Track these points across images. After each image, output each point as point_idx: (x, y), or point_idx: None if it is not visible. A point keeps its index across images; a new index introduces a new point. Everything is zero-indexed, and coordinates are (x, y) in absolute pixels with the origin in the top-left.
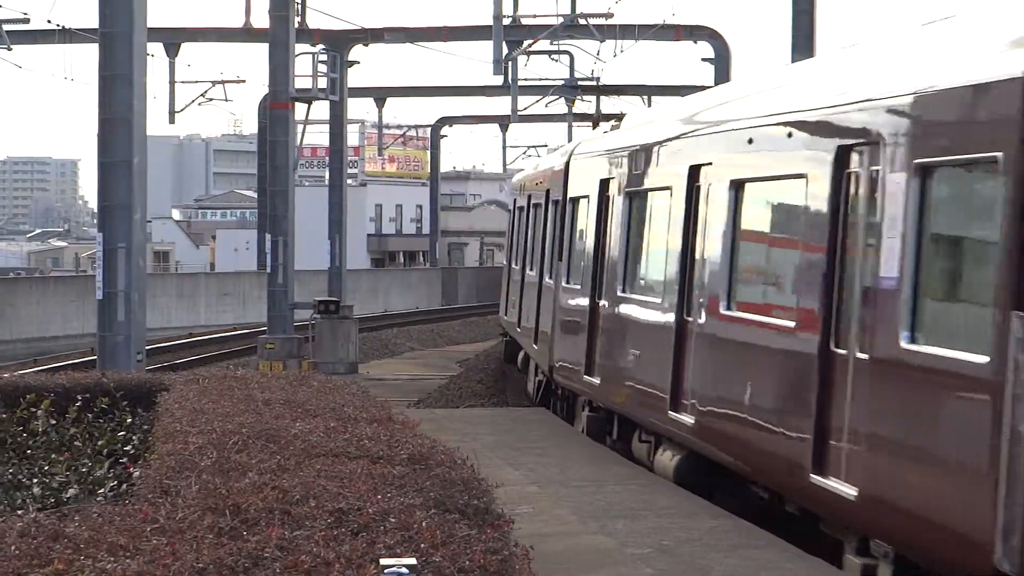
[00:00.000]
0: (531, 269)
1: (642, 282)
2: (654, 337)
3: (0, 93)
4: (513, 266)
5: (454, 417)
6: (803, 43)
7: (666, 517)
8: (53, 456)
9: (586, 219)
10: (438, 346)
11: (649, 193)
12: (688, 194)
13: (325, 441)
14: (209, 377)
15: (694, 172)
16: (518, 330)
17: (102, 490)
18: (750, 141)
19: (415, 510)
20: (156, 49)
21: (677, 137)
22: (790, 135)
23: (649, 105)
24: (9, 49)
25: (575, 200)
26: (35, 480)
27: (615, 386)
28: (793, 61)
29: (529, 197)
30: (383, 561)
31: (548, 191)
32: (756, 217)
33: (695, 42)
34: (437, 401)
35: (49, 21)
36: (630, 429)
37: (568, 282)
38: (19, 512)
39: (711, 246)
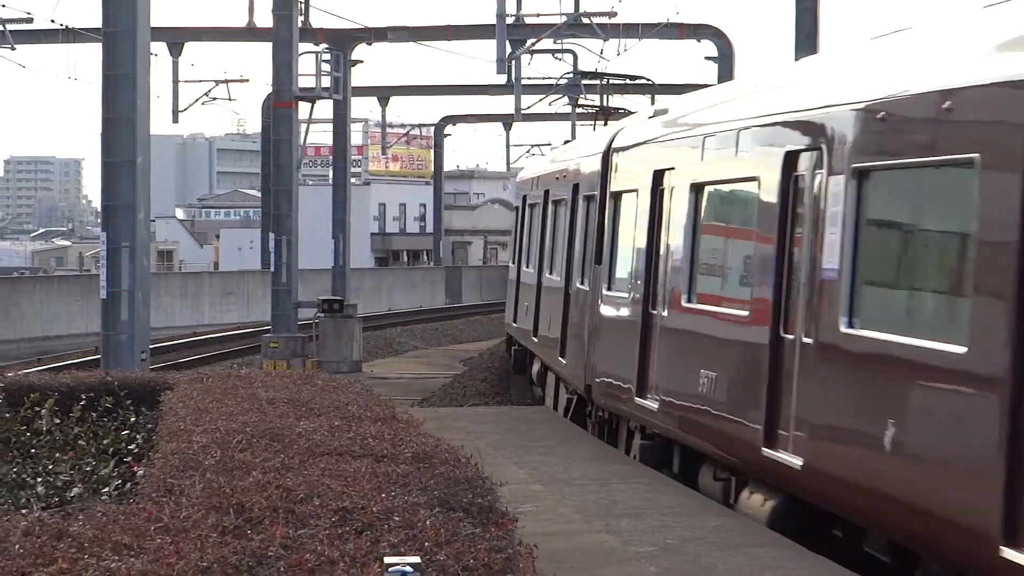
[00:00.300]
0: (552, 272)
1: (719, 291)
2: (738, 358)
3: (4, 93)
4: (525, 268)
5: (458, 416)
6: (806, 41)
7: (670, 515)
8: (57, 455)
9: (635, 217)
10: (442, 345)
11: (724, 186)
12: (784, 185)
13: (329, 440)
14: (213, 376)
15: (791, 159)
16: (534, 340)
17: (106, 489)
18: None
19: (419, 509)
20: (160, 48)
21: (768, 119)
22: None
23: (652, 104)
24: (13, 49)
25: (618, 195)
26: (39, 479)
27: (679, 412)
28: (797, 59)
29: (546, 193)
30: (387, 560)
31: (576, 186)
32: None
33: (699, 40)
34: (441, 400)
35: (53, 21)
36: (697, 460)
37: (610, 289)
38: (23, 511)
39: (823, 246)
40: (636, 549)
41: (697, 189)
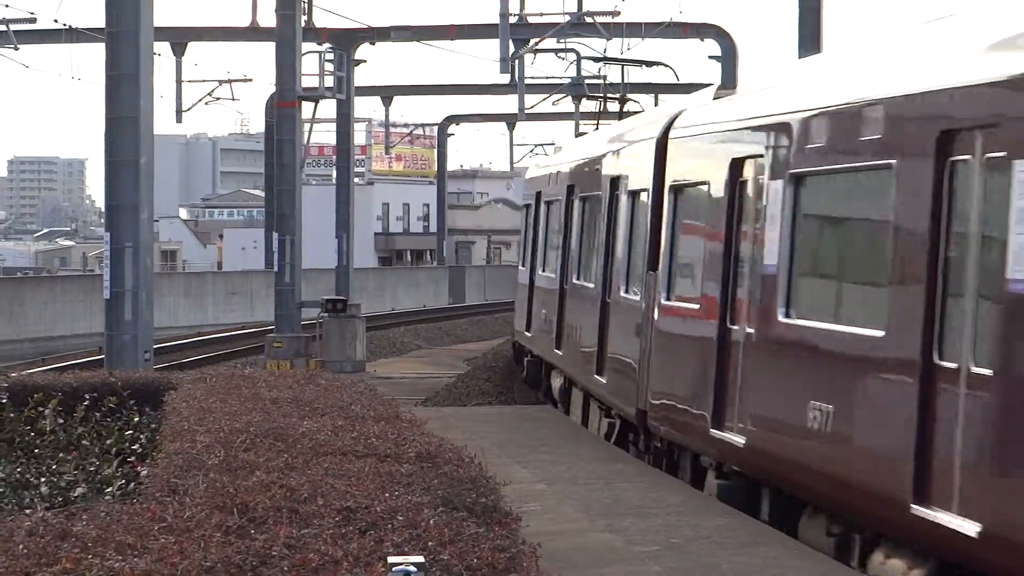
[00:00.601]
0: (581, 278)
1: (834, 304)
2: (868, 390)
3: (7, 93)
4: (542, 272)
5: (462, 415)
6: (810, 40)
7: (675, 515)
8: (61, 455)
9: (705, 214)
10: (445, 344)
11: (838, 177)
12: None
13: (332, 439)
14: (216, 376)
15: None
16: (556, 353)
17: (110, 489)
18: None
19: (423, 508)
20: (163, 48)
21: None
22: None
23: (656, 103)
24: (16, 49)
25: (679, 189)
26: (43, 479)
27: (776, 451)
28: (800, 58)
29: (570, 189)
30: (391, 559)
31: (615, 180)
32: None
33: (702, 40)
34: (444, 399)
35: (56, 21)
36: (796, 505)
37: (670, 299)
38: (27, 511)
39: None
40: (640, 548)
41: (798, 180)
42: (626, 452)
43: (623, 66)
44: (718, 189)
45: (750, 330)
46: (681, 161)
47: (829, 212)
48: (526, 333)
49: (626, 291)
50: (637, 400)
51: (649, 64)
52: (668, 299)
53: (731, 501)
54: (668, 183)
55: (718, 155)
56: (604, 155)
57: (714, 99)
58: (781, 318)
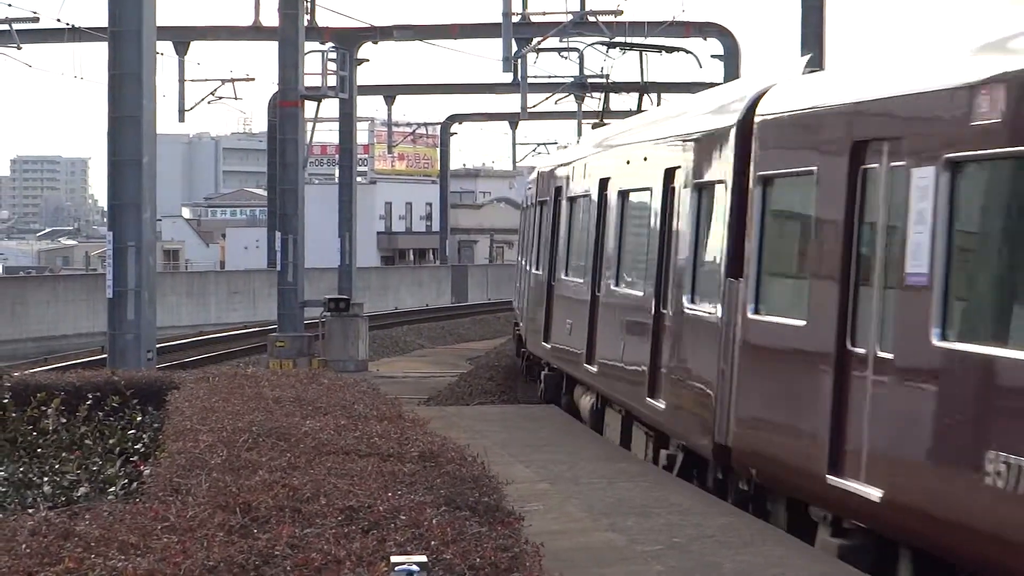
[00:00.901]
0: (621, 285)
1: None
2: None
3: (10, 92)
4: (565, 277)
5: (464, 415)
6: (812, 39)
7: (677, 514)
8: (64, 455)
9: (811, 210)
10: (448, 344)
11: (1005, 163)
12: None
13: (335, 439)
14: (219, 375)
15: None
16: (588, 369)
17: (113, 488)
18: None
19: (425, 507)
20: (165, 47)
21: None
22: None
23: (659, 103)
24: (19, 48)
25: (770, 181)
26: (46, 479)
27: (928, 509)
28: (802, 56)
29: (603, 183)
30: (394, 559)
31: (671, 172)
32: None
33: (704, 39)
34: (447, 399)
35: (59, 20)
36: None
37: (759, 311)
38: (30, 511)
39: None
40: (643, 548)
41: (955, 168)
42: (650, 463)
43: (641, 52)
44: (833, 179)
45: (886, 355)
46: (774, 147)
47: (1004, 206)
48: (544, 344)
49: (692, 301)
50: (714, 431)
51: (670, 50)
52: (758, 312)
53: (858, 564)
54: (756, 174)
55: (833, 138)
56: (651, 144)
57: (805, 71)
58: (937, 342)
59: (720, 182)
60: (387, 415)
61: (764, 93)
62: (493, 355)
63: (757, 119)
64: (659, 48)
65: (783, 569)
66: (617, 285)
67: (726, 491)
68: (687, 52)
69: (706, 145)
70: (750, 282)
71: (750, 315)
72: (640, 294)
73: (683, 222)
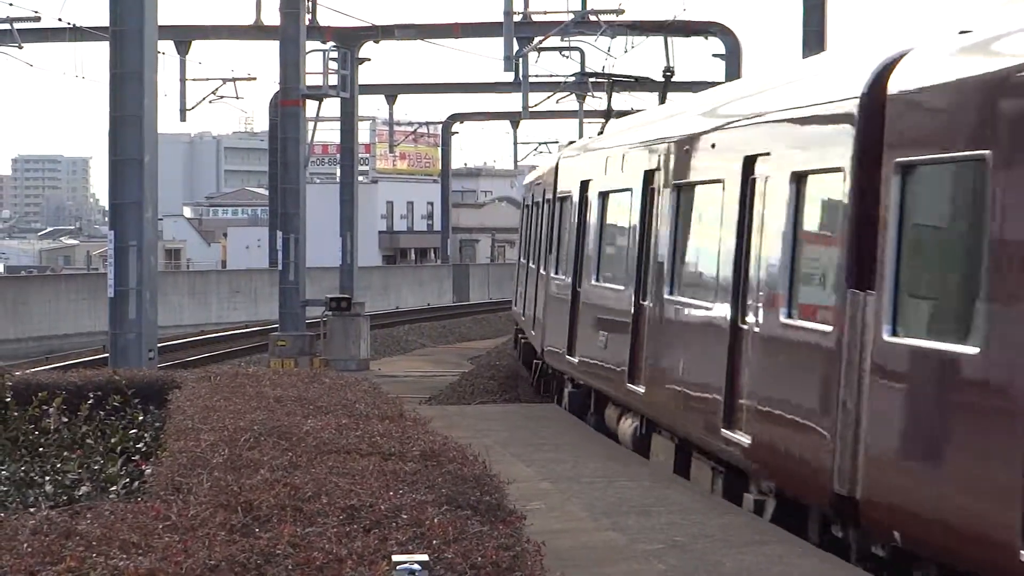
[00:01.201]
0: (676, 294)
1: None
2: None
3: (11, 92)
4: (594, 283)
5: (466, 414)
6: (814, 39)
7: (678, 513)
8: (65, 454)
9: (990, 208)
10: (450, 343)
11: None
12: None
13: (337, 438)
14: (221, 374)
15: None
16: (632, 389)
17: (114, 487)
18: None
19: (427, 506)
20: (167, 47)
21: None
22: None
23: (662, 102)
24: (20, 47)
25: (912, 169)
26: (47, 478)
27: None
28: (804, 56)
29: (648, 175)
30: (395, 557)
31: (750, 161)
32: None
33: (706, 38)
34: (449, 398)
35: (60, 19)
36: None
37: (898, 332)
38: (31, 510)
39: None
40: (644, 547)
41: None
42: (643, 457)
43: (666, 36)
44: (1009, 168)
45: None
46: (921, 127)
47: None
48: (568, 358)
49: (790, 316)
50: (835, 479)
51: (699, 32)
52: (897, 333)
53: None
54: (891, 160)
55: (991, 116)
56: (719, 130)
57: (960, 32)
58: None
59: (834, 170)
60: (388, 414)
61: (898, 62)
62: (494, 354)
63: (892, 91)
64: (683, 24)
65: (785, 568)
66: (672, 294)
67: (846, 549)
68: (712, 33)
69: (808, 127)
70: (885, 296)
71: (885, 337)
72: (709, 306)
73: (773, 219)
